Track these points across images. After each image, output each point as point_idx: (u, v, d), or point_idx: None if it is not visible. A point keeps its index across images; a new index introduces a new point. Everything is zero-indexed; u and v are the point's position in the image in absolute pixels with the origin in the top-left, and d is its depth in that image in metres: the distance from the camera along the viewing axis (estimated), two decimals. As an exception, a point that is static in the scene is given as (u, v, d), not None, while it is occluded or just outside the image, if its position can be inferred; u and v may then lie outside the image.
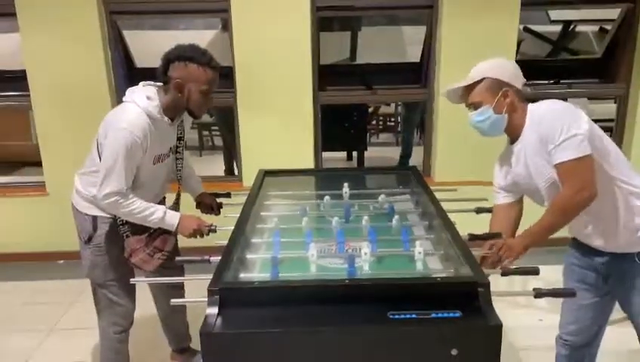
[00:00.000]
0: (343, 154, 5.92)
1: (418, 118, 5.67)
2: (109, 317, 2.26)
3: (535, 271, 1.77)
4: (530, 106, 1.79)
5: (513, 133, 1.83)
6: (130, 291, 2.25)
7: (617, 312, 1.99)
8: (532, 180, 1.81)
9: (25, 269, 3.71)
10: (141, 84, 2.09)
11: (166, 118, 2.05)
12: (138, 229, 2.12)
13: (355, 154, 5.57)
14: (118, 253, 2.15)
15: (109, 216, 2.11)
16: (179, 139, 2.22)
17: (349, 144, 5.43)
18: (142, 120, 1.97)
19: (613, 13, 3.94)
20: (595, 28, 5.97)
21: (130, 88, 2.07)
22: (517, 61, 3.88)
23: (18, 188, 3.94)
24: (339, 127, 4.97)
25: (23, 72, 3.51)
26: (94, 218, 2.13)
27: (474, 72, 1.82)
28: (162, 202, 2.35)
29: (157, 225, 2.10)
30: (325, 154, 4.06)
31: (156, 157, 2.09)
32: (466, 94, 1.83)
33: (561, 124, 1.64)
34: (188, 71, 1.97)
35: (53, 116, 3.55)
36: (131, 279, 1.98)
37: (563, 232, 1.85)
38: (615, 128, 3.87)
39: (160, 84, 2.07)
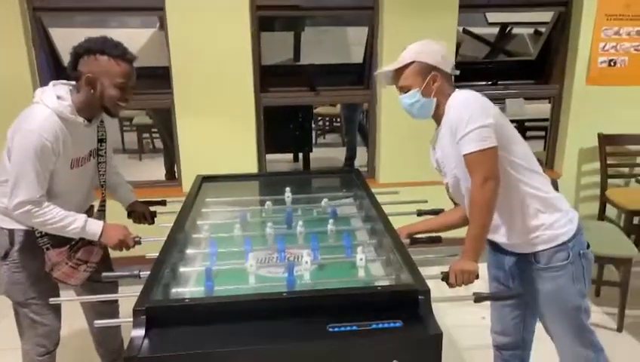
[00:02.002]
0: (289, 155, 5.86)
1: (358, 119, 5.69)
2: (32, 339, 2.08)
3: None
4: (454, 93, 1.79)
5: (439, 118, 1.83)
6: (54, 309, 2.08)
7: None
8: (447, 171, 1.85)
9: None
10: (51, 83, 1.92)
11: (81, 119, 1.90)
12: (59, 241, 1.95)
13: (301, 155, 5.52)
14: (39, 267, 1.97)
15: (26, 227, 1.94)
16: (100, 141, 2.07)
17: (294, 145, 5.37)
18: (52, 121, 1.81)
19: (547, 16, 4.08)
20: (531, 30, 6.20)
21: (39, 88, 1.91)
22: (456, 63, 3.98)
23: None
24: (284, 128, 4.91)
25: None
26: (11, 231, 1.95)
27: (404, 55, 1.82)
28: (89, 211, 2.19)
29: (78, 236, 1.94)
30: (271, 156, 3.98)
31: (74, 160, 1.94)
32: (397, 77, 1.83)
33: (468, 114, 1.65)
34: (99, 64, 1.83)
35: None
36: (50, 299, 1.83)
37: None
38: (550, 127, 4.00)
39: (73, 83, 1.92)
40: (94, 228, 1.94)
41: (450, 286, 1.71)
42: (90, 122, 1.95)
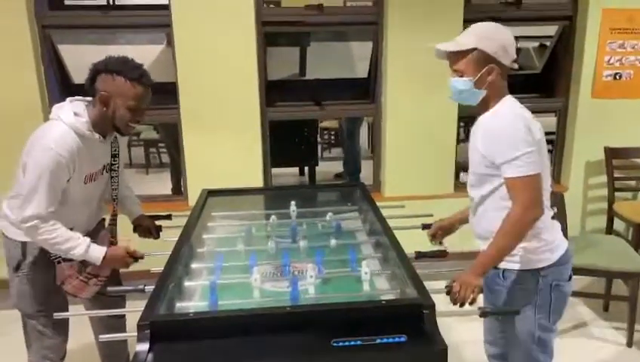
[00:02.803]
0: (295, 169, 5.87)
1: (359, 133, 5.70)
2: (39, 351, 2.09)
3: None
4: (507, 100, 1.74)
5: (482, 109, 1.77)
6: (62, 322, 2.08)
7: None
8: (469, 161, 1.83)
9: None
10: (68, 99, 1.96)
11: (97, 135, 1.93)
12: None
13: (306, 169, 5.53)
14: (49, 281, 1.99)
15: None
16: (113, 156, 2.10)
17: (300, 159, 5.38)
18: (68, 138, 1.84)
19: (552, 29, 4.10)
20: (536, 44, 6.22)
21: (56, 105, 1.94)
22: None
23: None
24: (289, 142, 4.92)
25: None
26: (24, 244, 1.98)
27: (465, 39, 1.72)
28: (101, 224, 2.22)
29: (80, 259, 1.95)
30: (277, 170, 3.99)
31: (87, 176, 1.96)
32: (452, 58, 1.74)
33: (517, 137, 1.62)
34: (115, 84, 1.86)
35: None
36: (55, 314, 1.83)
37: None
38: (556, 140, 3.99)
39: (89, 99, 1.95)
40: (97, 253, 1.95)
41: (452, 298, 1.68)
42: (104, 138, 1.98)
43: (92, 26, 3.48)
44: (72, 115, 1.87)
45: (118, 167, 2.14)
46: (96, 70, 1.88)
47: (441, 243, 2.17)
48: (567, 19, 3.74)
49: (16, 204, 1.93)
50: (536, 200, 1.64)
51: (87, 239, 1.95)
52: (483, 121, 1.76)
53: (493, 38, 1.69)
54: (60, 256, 1.96)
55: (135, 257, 2.04)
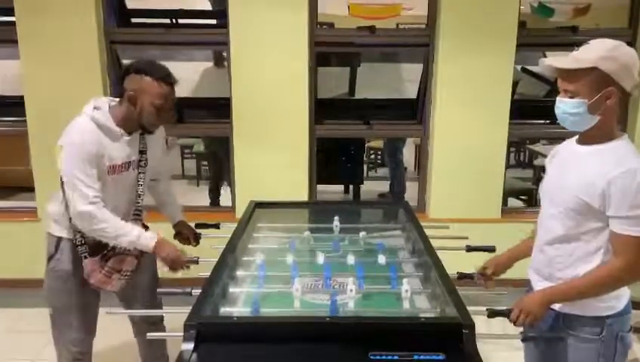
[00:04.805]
0: (340, 187, 5.92)
1: (402, 153, 5.69)
2: (65, 344, 2.18)
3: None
4: (625, 142, 1.56)
5: (588, 136, 1.59)
6: (90, 318, 2.19)
7: None
8: (555, 193, 1.66)
9: (10, 295, 3.63)
10: (94, 98, 2.09)
11: (118, 128, 2.02)
12: (94, 250, 2.06)
13: (351, 187, 5.56)
14: (78, 277, 2.09)
15: (70, 238, 2.06)
16: (141, 152, 2.17)
17: (345, 177, 5.43)
18: (89, 127, 1.96)
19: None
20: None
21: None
22: (514, 101, 3.94)
23: (10, 213, 3.91)
24: (336, 160, 4.98)
25: (22, 97, 3.54)
26: (58, 239, 2.09)
27: (584, 55, 1.51)
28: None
29: (131, 246, 2.03)
30: (322, 187, 4.04)
31: (110, 167, 2.04)
32: (565, 76, 1.54)
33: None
34: (142, 84, 1.97)
35: (48, 143, 3.53)
36: (107, 310, 1.92)
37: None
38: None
39: (116, 99, 2.07)
40: (148, 240, 2.04)
41: (511, 320, 1.62)
42: (129, 135, 2.07)
43: (155, 42, 3.69)
44: (92, 108, 2.00)
45: (145, 164, 2.19)
46: (125, 71, 2.02)
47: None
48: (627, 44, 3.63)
49: (55, 200, 2.07)
50: None
51: (139, 227, 2.05)
52: (590, 159, 1.56)
53: (616, 58, 1.49)
54: (86, 251, 2.05)
55: (190, 261, 2.11)
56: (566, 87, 1.55)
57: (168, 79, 2.01)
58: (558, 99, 1.59)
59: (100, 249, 2.08)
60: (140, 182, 2.20)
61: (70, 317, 2.14)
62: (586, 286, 1.57)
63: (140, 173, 2.18)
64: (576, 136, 1.68)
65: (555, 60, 1.55)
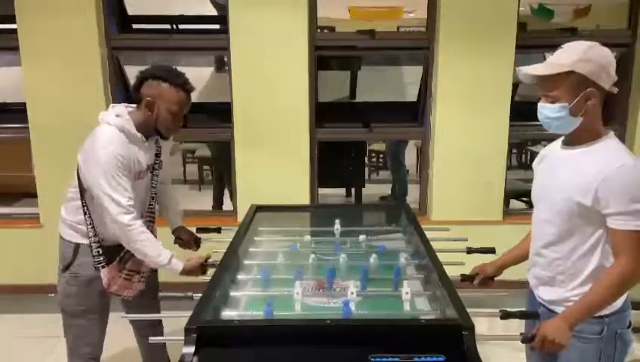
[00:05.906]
0: (342, 190, 5.92)
1: (404, 156, 5.71)
2: (79, 348, 2.19)
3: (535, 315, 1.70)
4: (612, 140, 1.58)
5: (574, 138, 1.60)
6: (103, 322, 2.20)
7: None
8: (546, 196, 1.67)
9: (16, 302, 3.65)
10: (110, 105, 2.11)
11: (140, 134, 2.05)
12: (110, 258, 2.08)
13: (353, 190, 5.56)
14: (94, 282, 2.10)
15: (88, 243, 2.07)
16: (156, 155, 2.19)
17: (347, 180, 5.43)
18: (118, 136, 1.98)
19: (609, 56, 3.99)
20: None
21: (100, 113, 2.08)
22: (515, 102, 3.94)
23: (12, 220, 3.92)
24: (337, 163, 4.99)
25: (24, 104, 3.56)
26: (77, 246, 2.10)
27: (559, 59, 1.52)
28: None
29: (160, 267, 2.06)
30: (324, 191, 4.04)
31: (136, 173, 2.07)
32: (544, 81, 1.55)
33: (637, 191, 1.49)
34: (160, 90, 1.99)
35: (51, 149, 3.57)
36: (122, 315, 1.96)
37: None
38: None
39: (132, 106, 2.09)
40: (177, 266, 2.06)
41: (532, 348, 1.61)
42: (147, 139, 2.09)
43: (156, 48, 3.70)
44: (114, 117, 2.01)
45: (159, 166, 2.22)
46: (143, 77, 2.03)
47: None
48: (625, 46, 3.64)
49: (72, 208, 2.08)
50: None
51: (169, 251, 2.06)
52: (580, 158, 1.57)
53: (593, 60, 1.51)
54: (103, 261, 2.07)
55: (210, 265, 2.12)
56: (546, 92, 1.57)
57: (186, 86, 2.03)
58: (539, 104, 1.60)
59: (116, 253, 2.09)
60: (153, 185, 2.23)
61: (89, 322, 2.16)
62: (603, 294, 1.55)
63: (153, 175, 2.21)
64: (562, 138, 1.69)
65: (531, 68, 1.57)
